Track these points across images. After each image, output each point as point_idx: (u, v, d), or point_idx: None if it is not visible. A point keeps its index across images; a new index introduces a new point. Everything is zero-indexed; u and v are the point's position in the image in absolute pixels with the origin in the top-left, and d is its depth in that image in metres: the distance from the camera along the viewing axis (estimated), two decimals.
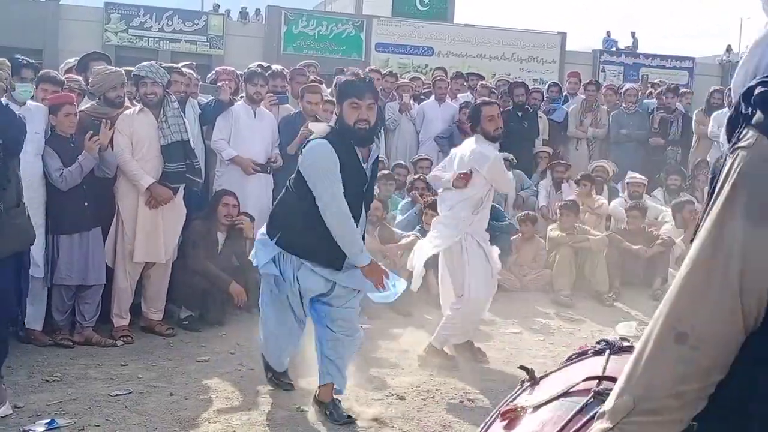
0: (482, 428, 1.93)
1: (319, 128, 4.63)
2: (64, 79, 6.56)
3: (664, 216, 9.23)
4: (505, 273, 8.06)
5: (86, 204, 5.96)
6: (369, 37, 25.27)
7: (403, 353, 6.00)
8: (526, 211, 8.72)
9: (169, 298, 6.59)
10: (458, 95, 10.17)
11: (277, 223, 4.62)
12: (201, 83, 8.09)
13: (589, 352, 2.03)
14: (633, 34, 30.38)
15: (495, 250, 6.04)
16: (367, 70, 9.90)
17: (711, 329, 1.41)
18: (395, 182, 8.51)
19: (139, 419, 4.53)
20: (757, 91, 1.45)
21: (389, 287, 4.66)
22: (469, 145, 5.86)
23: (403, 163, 9.04)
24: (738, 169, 1.41)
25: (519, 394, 1.98)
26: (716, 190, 1.45)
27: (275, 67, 8.65)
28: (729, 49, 29.60)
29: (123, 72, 6.56)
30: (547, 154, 9.96)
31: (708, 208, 1.48)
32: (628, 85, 11.96)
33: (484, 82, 10.88)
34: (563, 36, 27.09)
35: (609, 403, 1.52)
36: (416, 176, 8.44)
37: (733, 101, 1.61)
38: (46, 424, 4.35)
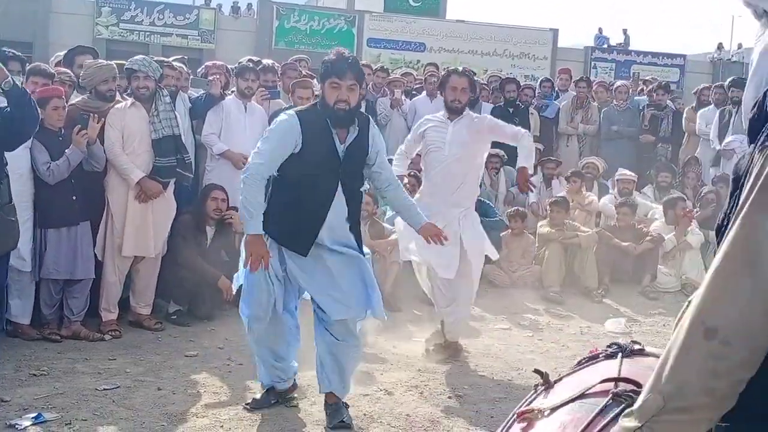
0: (501, 431, 1.92)
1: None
2: (54, 71, 6.53)
3: (654, 213, 9.26)
4: (494, 269, 8.09)
5: (74, 198, 5.94)
6: (361, 32, 25.22)
7: (391, 349, 6.00)
8: (516, 207, 8.73)
9: (158, 292, 6.58)
10: None
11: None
12: (192, 77, 8.07)
13: (601, 355, 2.02)
14: (625, 31, 30.41)
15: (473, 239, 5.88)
16: None
17: (741, 325, 1.40)
18: None
19: (126, 414, 4.52)
20: None
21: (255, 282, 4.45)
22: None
23: (393, 158, 9.02)
24: None
25: (534, 398, 1.96)
26: (745, 188, 1.44)
27: (266, 61, 8.63)
28: (720, 47, 29.70)
29: (114, 65, 6.53)
30: (537, 151, 9.96)
31: (734, 207, 1.47)
32: (619, 82, 11.99)
33: (475, 78, 10.85)
34: (555, 32, 27.08)
35: (638, 403, 1.51)
36: (407, 171, 8.41)
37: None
38: (32, 418, 4.33)
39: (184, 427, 4.39)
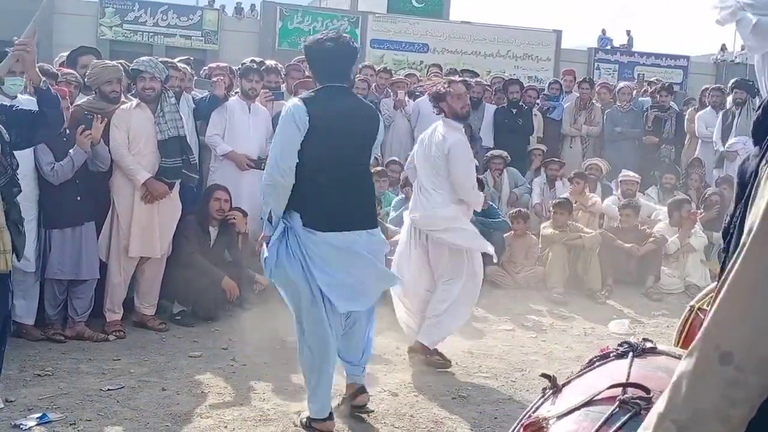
0: None
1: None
2: (57, 72, 6.54)
3: (658, 214, 9.26)
4: (497, 270, 8.09)
5: (79, 198, 5.94)
6: (364, 33, 25.24)
7: (395, 350, 6.00)
8: (519, 208, 8.74)
9: (162, 293, 6.58)
10: None
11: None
12: (196, 78, 8.07)
13: (612, 355, 1.97)
14: (628, 33, 30.42)
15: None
16: (361, 66, 9.90)
17: (757, 350, 1.33)
18: (389, 179, 8.51)
19: (130, 414, 4.52)
20: None
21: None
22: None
23: (397, 159, 9.02)
24: None
25: (541, 404, 1.91)
26: (757, 201, 1.37)
27: (269, 62, 8.63)
28: (724, 48, 29.66)
29: (120, 67, 6.53)
30: (541, 152, 9.98)
31: (738, 213, 1.42)
32: (622, 84, 11.99)
33: (478, 79, 10.87)
34: (559, 34, 27.10)
35: (648, 428, 1.43)
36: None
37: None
38: (37, 418, 4.34)
39: (188, 428, 4.39)
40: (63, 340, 5.88)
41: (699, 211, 9.06)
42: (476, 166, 6.18)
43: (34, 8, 4.85)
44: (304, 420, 4.39)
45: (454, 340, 6.12)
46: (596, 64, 27.22)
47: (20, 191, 4.30)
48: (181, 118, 6.37)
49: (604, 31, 29.67)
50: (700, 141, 10.52)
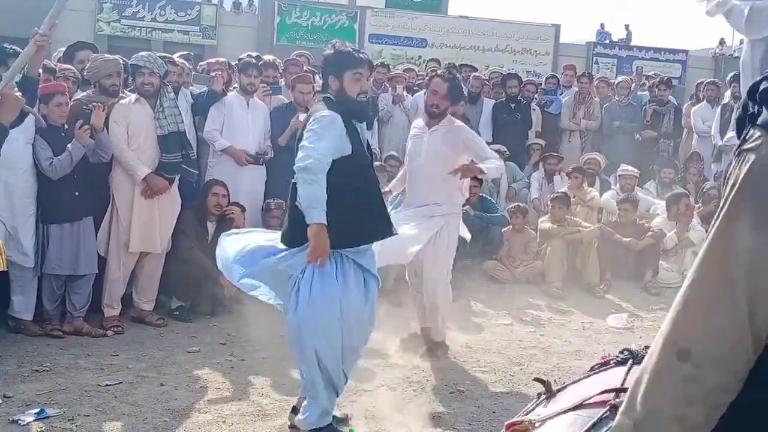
0: None
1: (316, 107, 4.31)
2: (55, 67, 6.53)
3: (656, 208, 9.26)
4: (496, 264, 8.09)
5: (77, 193, 5.94)
6: (362, 28, 25.18)
7: (393, 344, 6.00)
8: (517, 203, 8.74)
9: (160, 288, 6.58)
10: None
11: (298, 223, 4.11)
12: (194, 73, 8.05)
13: (612, 362, 1.98)
14: (627, 27, 30.39)
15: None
16: None
17: (715, 346, 1.30)
18: (387, 174, 8.48)
19: (128, 409, 4.53)
20: (762, 86, 1.34)
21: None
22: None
23: (395, 154, 9.00)
24: (744, 174, 1.30)
25: (534, 408, 1.92)
26: (723, 195, 1.36)
27: (267, 57, 8.62)
28: (722, 42, 29.62)
29: (120, 61, 6.52)
30: (539, 146, 9.97)
31: (718, 215, 1.38)
32: (620, 78, 11.98)
33: (477, 74, 10.86)
34: (557, 28, 27.03)
35: (615, 422, 1.44)
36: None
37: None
38: (35, 413, 4.34)
39: (187, 423, 4.39)
40: (61, 335, 5.88)
41: (697, 206, 9.07)
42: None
43: (29, 5, 4.85)
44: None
45: (453, 334, 6.14)
46: (595, 58, 27.16)
47: None
48: (181, 113, 6.36)
49: (602, 26, 29.64)
50: (696, 135, 10.52)
